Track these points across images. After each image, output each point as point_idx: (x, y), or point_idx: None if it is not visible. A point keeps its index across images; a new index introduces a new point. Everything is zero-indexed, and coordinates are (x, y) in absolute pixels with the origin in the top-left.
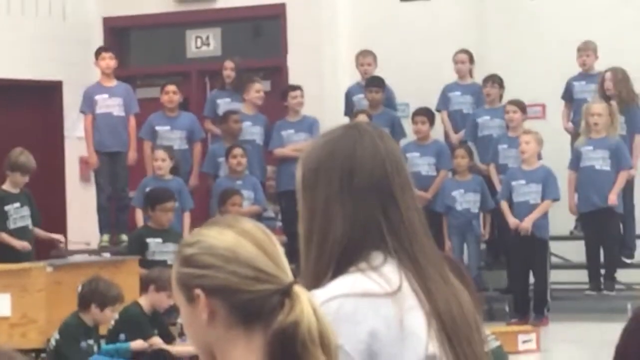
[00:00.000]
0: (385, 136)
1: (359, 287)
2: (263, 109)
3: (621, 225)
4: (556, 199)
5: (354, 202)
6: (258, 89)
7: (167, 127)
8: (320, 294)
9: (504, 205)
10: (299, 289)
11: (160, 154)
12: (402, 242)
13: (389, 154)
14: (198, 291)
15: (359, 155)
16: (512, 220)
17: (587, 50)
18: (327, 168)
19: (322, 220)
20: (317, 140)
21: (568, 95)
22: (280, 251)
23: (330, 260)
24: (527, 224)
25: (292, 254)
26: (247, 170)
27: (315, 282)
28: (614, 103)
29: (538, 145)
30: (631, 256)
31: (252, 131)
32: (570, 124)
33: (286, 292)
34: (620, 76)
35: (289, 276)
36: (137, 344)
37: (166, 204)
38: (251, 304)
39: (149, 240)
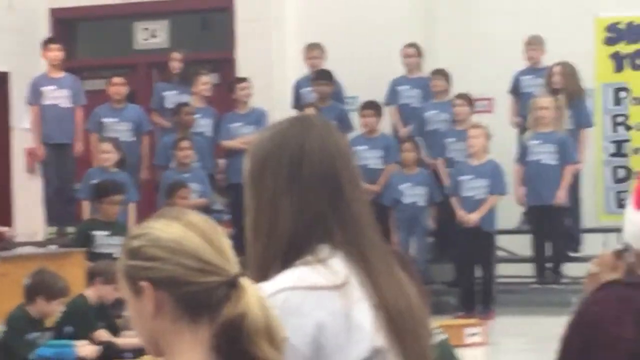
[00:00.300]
0: (334, 129)
1: (306, 280)
2: (212, 102)
3: (567, 219)
4: (503, 194)
5: (301, 194)
6: (205, 81)
7: (114, 119)
8: (267, 287)
9: (454, 200)
10: (245, 281)
11: (106, 146)
12: (349, 235)
13: (337, 146)
14: (144, 283)
15: (307, 148)
16: (460, 213)
17: (534, 44)
18: (275, 160)
19: (270, 213)
20: (265, 132)
21: (515, 89)
22: (227, 243)
23: (277, 253)
24: (474, 217)
25: (240, 246)
26: (196, 162)
27: (262, 274)
28: (561, 97)
29: (486, 139)
30: (577, 250)
31: (202, 123)
32: (517, 118)
33: (232, 284)
34: (569, 70)
35: (235, 268)
36: (85, 349)
37: (114, 197)
38: (197, 296)
39: (95, 232)
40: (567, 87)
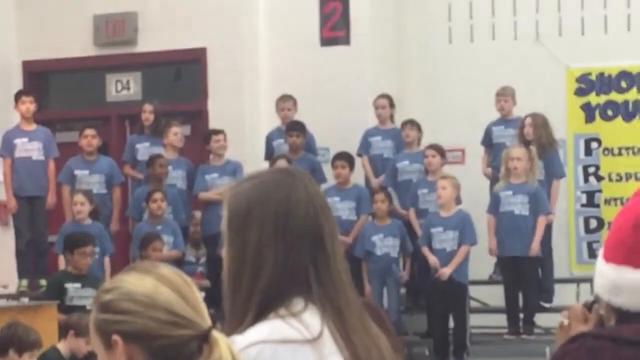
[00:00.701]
0: (314, 182)
1: (279, 334)
2: (184, 153)
3: (540, 270)
4: (473, 244)
5: (286, 248)
6: (176, 132)
7: (86, 172)
8: (239, 341)
9: (427, 250)
10: (217, 335)
11: (80, 198)
12: (327, 290)
13: (320, 200)
14: (116, 337)
15: (293, 201)
16: (433, 260)
17: (505, 95)
18: (260, 212)
19: (253, 265)
20: (244, 183)
21: (487, 140)
22: (199, 297)
23: (255, 305)
24: (447, 272)
25: (214, 299)
26: (169, 214)
27: (239, 325)
28: (533, 149)
29: (455, 190)
30: (550, 300)
31: (174, 175)
32: (489, 169)
33: (205, 338)
34: (541, 122)
35: (207, 322)
36: None
37: (85, 249)
38: (169, 350)
39: (67, 285)
40: (539, 139)
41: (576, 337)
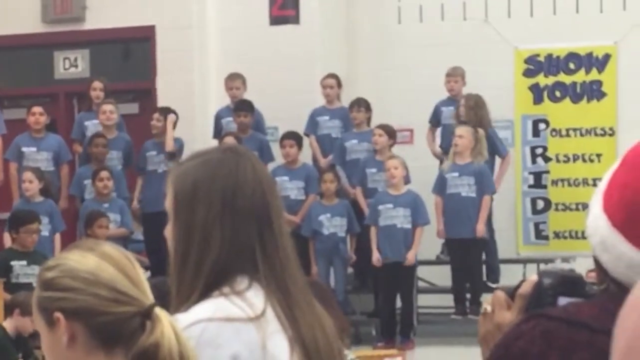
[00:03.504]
0: (259, 160)
1: (222, 312)
2: (131, 131)
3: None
4: (426, 224)
5: (233, 225)
6: (104, 110)
7: (34, 149)
8: (182, 318)
9: (373, 233)
10: (159, 312)
11: (28, 175)
12: (273, 268)
13: (266, 177)
14: (58, 314)
15: (240, 178)
16: (375, 257)
17: (455, 75)
18: (207, 189)
19: (200, 242)
20: (190, 161)
21: (435, 119)
22: (142, 274)
23: (201, 283)
24: (411, 258)
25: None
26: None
27: (184, 303)
28: (480, 129)
29: (404, 169)
30: (496, 280)
31: (114, 155)
32: (439, 149)
33: (147, 315)
34: (473, 103)
35: (150, 299)
36: None
37: (30, 226)
38: (111, 327)
39: (13, 262)
40: (472, 119)
41: (530, 317)
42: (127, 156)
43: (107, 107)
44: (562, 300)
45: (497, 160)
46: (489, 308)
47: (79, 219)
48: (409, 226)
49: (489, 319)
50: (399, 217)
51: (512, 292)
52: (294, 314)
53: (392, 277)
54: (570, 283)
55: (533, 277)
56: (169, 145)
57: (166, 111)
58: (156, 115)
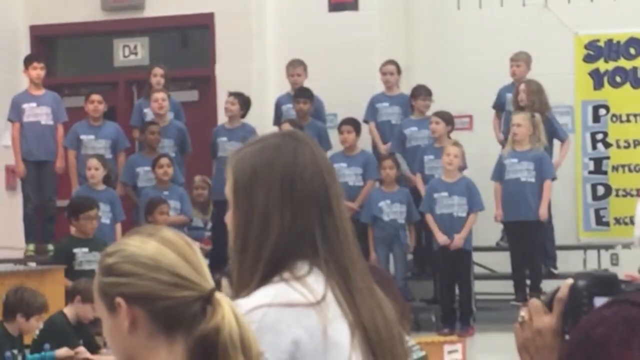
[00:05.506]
0: (319, 146)
1: (283, 297)
2: (190, 119)
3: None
4: (481, 210)
5: (293, 210)
6: (155, 99)
7: (92, 136)
8: (243, 304)
9: (430, 219)
10: (220, 296)
11: (94, 162)
12: (334, 252)
13: (326, 163)
14: (119, 300)
15: (300, 164)
16: (441, 239)
17: (518, 60)
18: (266, 175)
19: (260, 228)
20: (249, 147)
21: (499, 105)
22: (202, 259)
23: (261, 269)
24: (458, 242)
25: (218, 263)
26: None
27: (246, 288)
28: (537, 115)
29: (462, 157)
30: (555, 266)
31: (163, 144)
32: (501, 135)
33: (207, 299)
34: (534, 88)
35: (210, 283)
36: (62, 351)
37: (89, 212)
38: (172, 311)
39: (75, 250)
40: (532, 104)
41: (612, 302)
42: (181, 144)
43: (159, 95)
44: (598, 301)
45: (556, 144)
46: (526, 316)
47: (133, 206)
48: (464, 214)
49: (527, 327)
50: (454, 206)
51: (549, 300)
52: (354, 298)
53: (449, 264)
54: (604, 283)
55: (569, 280)
56: None
57: (239, 95)
58: (231, 98)
